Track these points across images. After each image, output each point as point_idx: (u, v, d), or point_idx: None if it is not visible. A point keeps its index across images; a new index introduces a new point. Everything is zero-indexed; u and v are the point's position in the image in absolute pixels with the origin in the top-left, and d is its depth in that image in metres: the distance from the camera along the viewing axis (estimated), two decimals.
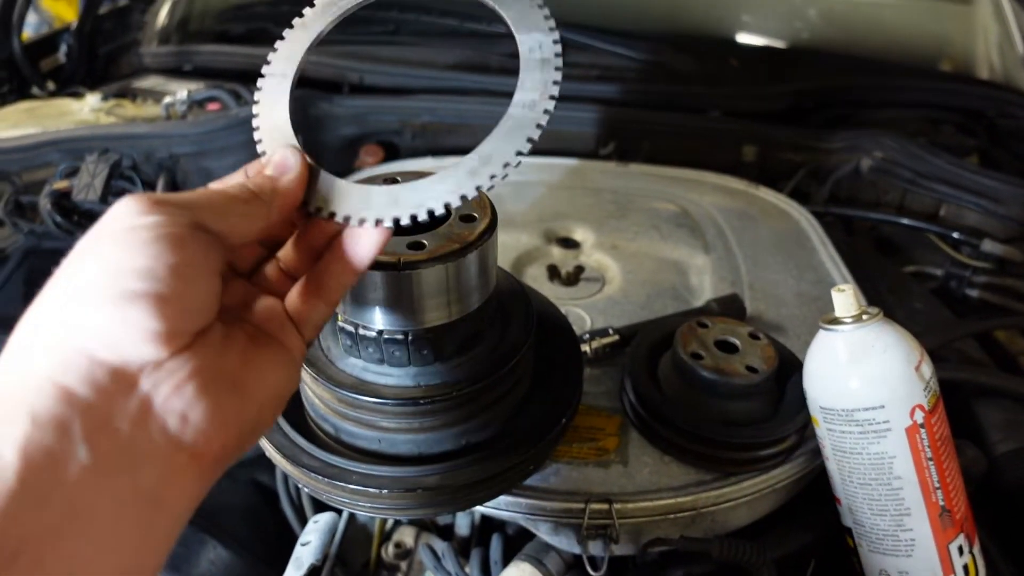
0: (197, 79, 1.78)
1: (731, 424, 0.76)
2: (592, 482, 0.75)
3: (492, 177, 0.52)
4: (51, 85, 1.77)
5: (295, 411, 0.74)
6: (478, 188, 0.52)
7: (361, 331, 0.65)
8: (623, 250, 1.14)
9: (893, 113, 1.67)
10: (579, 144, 1.56)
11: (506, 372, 0.69)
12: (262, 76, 0.59)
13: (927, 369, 0.68)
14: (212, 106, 1.50)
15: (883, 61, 1.85)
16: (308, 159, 0.54)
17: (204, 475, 0.43)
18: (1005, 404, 0.97)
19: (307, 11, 0.62)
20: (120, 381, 0.39)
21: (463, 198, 0.52)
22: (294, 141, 0.56)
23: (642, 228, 1.19)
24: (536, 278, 1.09)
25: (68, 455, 0.36)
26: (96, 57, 1.98)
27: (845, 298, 0.70)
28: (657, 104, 1.61)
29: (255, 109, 0.57)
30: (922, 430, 0.67)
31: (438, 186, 0.52)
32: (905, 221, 1.37)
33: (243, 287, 0.53)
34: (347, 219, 0.52)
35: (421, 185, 0.53)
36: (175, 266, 0.40)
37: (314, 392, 0.71)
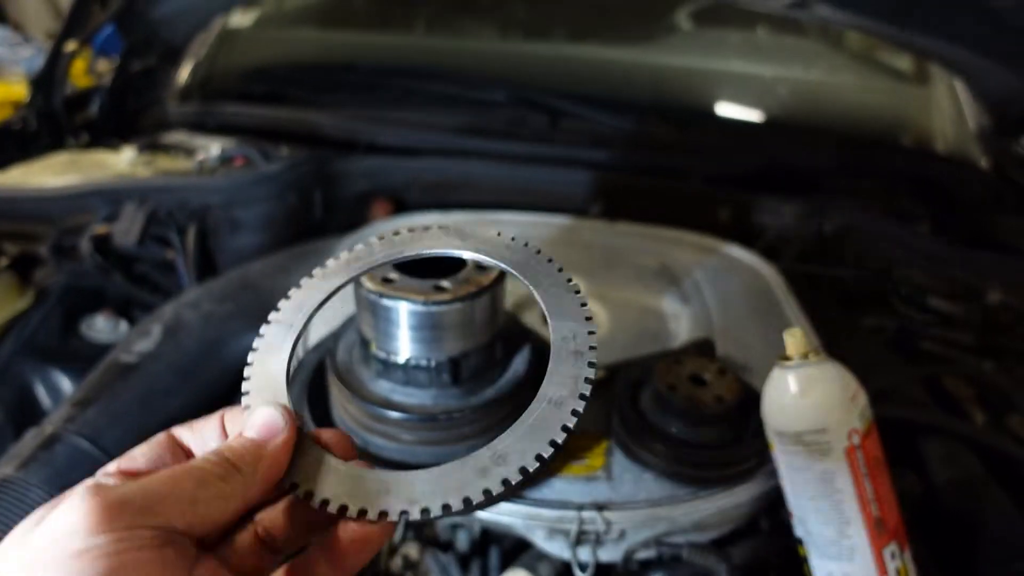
0: (219, 134, 1.93)
1: (701, 447, 0.89)
2: (582, 494, 0.87)
3: (504, 482, 0.45)
4: (85, 137, 1.92)
5: (326, 424, 0.86)
6: (486, 493, 0.45)
7: (391, 358, 0.78)
8: (610, 299, 1.28)
9: (855, 182, 1.84)
10: (571, 203, 1.71)
11: (511, 396, 0.82)
12: (267, 323, 0.55)
13: (861, 399, 0.82)
14: (237, 161, 1.64)
15: (847, 135, 2.04)
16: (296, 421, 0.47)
17: None
18: (945, 441, 1.10)
19: (329, 262, 0.59)
20: None
21: (466, 502, 0.44)
22: (285, 399, 0.49)
23: (627, 280, 1.33)
24: (533, 322, 1.22)
25: None
26: (125, 112, 2.13)
27: (795, 340, 0.84)
28: (642, 169, 1.77)
29: (251, 356, 0.53)
30: (858, 451, 0.80)
31: (442, 481, 0.46)
32: (862, 277, 1.52)
33: (211, 570, 0.42)
34: (342, 509, 0.45)
35: (421, 477, 0.46)
36: None
37: (345, 409, 0.83)
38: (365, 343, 0.80)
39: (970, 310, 1.40)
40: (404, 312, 0.74)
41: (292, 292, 0.57)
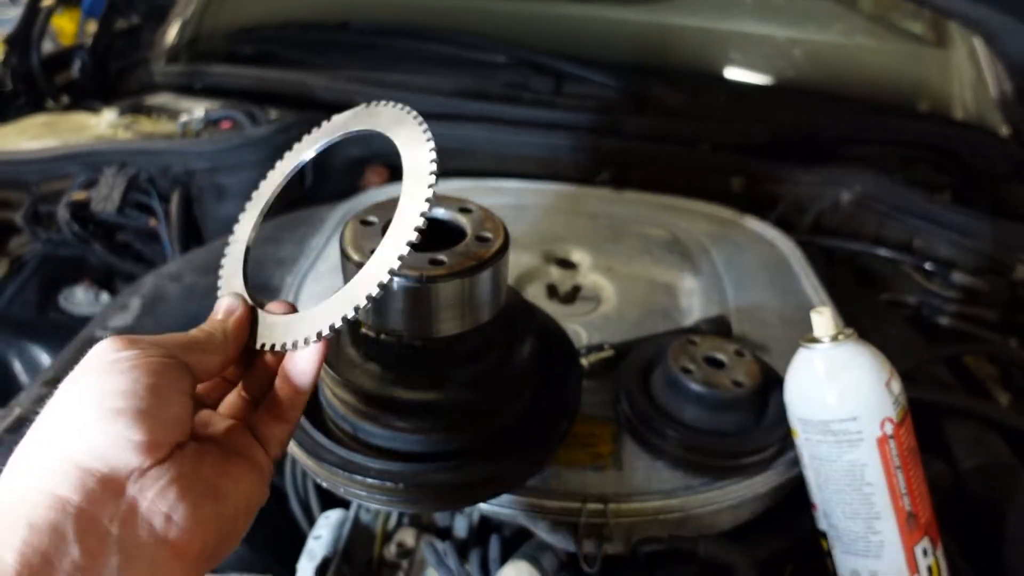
0: (206, 97, 1.84)
1: (717, 433, 0.82)
2: (588, 484, 0.81)
3: (368, 298, 0.57)
4: (65, 99, 1.83)
5: (315, 411, 0.79)
6: (356, 310, 0.57)
7: (383, 338, 0.71)
8: (618, 272, 1.21)
9: (872, 150, 1.76)
10: (575, 171, 1.63)
11: (513, 379, 0.76)
12: (228, 243, 0.68)
13: (896, 385, 0.75)
14: (224, 124, 1.56)
15: (863, 100, 1.95)
16: (250, 302, 0.62)
17: (188, 572, 0.48)
18: (971, 424, 1.04)
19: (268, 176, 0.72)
20: (109, 488, 0.45)
21: (344, 319, 0.57)
22: (242, 290, 0.64)
23: (635, 252, 1.26)
24: (536, 296, 1.15)
25: (62, 554, 0.41)
26: (108, 73, 2.04)
27: (823, 319, 0.77)
28: (650, 136, 1.69)
29: (222, 263, 0.67)
30: (891, 441, 0.74)
31: (326, 312, 0.58)
32: (881, 251, 1.45)
33: (209, 415, 0.60)
34: (279, 346, 0.59)
35: (316, 312, 0.59)
36: (151, 386, 0.47)
37: (334, 393, 0.77)
38: (355, 321, 0.73)
39: (996, 285, 1.33)
40: (396, 289, 0.67)
41: (247, 206, 0.70)
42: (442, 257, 0.68)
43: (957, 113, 2.02)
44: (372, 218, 0.72)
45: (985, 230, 1.35)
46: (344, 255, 0.69)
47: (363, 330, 0.73)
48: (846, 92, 1.98)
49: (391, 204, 0.73)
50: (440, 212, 0.74)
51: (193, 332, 0.57)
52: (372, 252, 0.68)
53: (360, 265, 0.67)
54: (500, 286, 0.73)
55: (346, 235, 0.70)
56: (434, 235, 0.72)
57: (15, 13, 4.63)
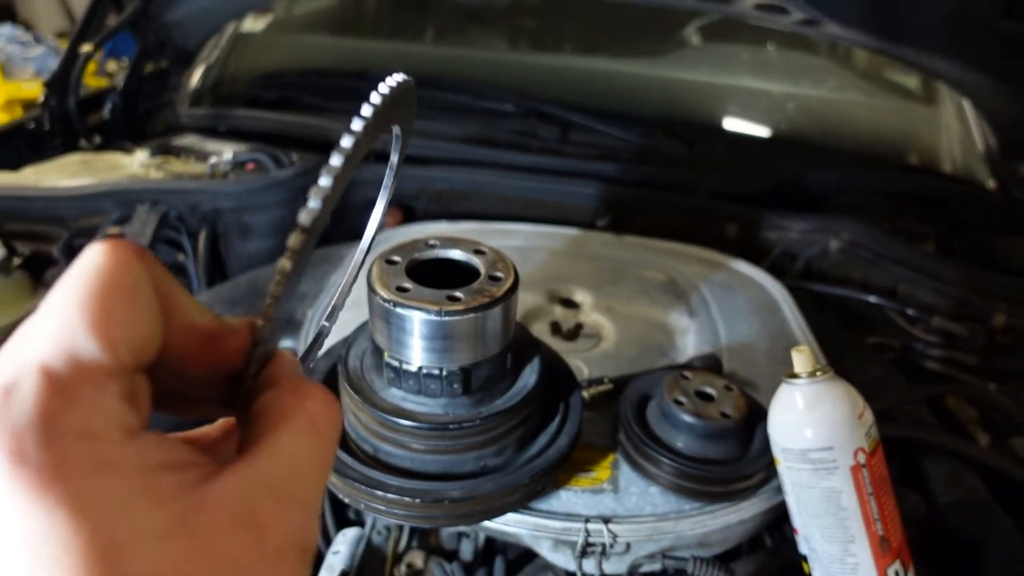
0: (230, 139, 1.95)
1: (707, 462, 0.89)
2: (588, 506, 0.88)
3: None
4: (97, 138, 1.93)
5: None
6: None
7: (404, 367, 0.79)
8: (617, 311, 1.28)
9: (861, 200, 1.85)
10: (578, 215, 1.72)
11: (520, 407, 0.83)
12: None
13: (868, 418, 0.82)
14: (249, 166, 1.65)
15: (855, 152, 2.06)
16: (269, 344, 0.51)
17: None
18: (949, 461, 1.11)
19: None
20: None
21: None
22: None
23: (634, 293, 1.34)
24: (541, 332, 1.23)
25: None
26: (136, 114, 2.15)
27: (803, 357, 0.84)
28: (650, 183, 1.79)
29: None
30: (864, 469, 0.81)
31: None
32: (869, 298, 1.53)
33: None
34: None
35: None
36: None
37: (357, 417, 0.84)
38: (378, 351, 0.81)
39: (975, 331, 1.40)
40: (417, 322, 0.75)
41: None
42: (458, 294, 0.76)
43: (945, 166, 2.11)
44: (396, 257, 0.81)
45: (965, 279, 1.43)
46: (371, 290, 0.77)
47: (386, 359, 0.80)
48: (838, 144, 2.09)
49: (412, 245, 0.82)
50: (456, 253, 0.83)
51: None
52: (398, 289, 0.77)
53: (387, 301, 0.76)
54: (510, 321, 0.81)
55: (373, 273, 0.78)
56: (450, 274, 0.81)
57: (40, 51, 4.79)
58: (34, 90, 4.92)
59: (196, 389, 0.44)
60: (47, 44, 4.98)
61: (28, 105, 4.96)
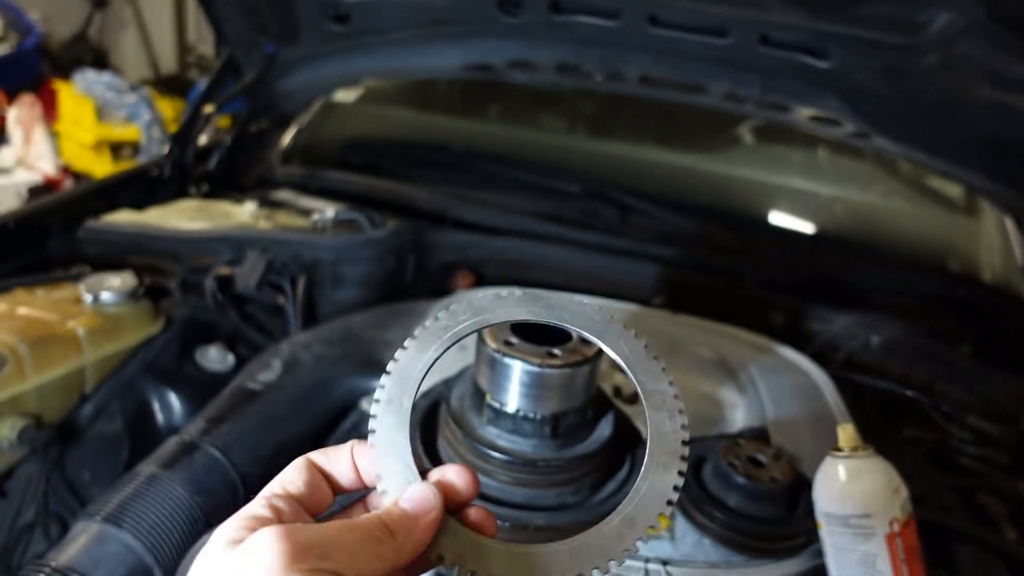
0: (320, 197, 2.15)
1: (756, 520, 1.00)
2: (648, 549, 0.99)
3: (639, 540, 0.53)
4: (205, 187, 2.16)
5: (435, 463, 1.00)
6: (626, 553, 0.52)
7: (503, 408, 0.93)
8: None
9: (902, 300, 1.97)
10: (635, 292, 1.86)
11: (597, 453, 0.96)
12: (377, 401, 0.57)
13: (903, 492, 0.94)
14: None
15: (897, 256, 2.18)
16: (437, 495, 0.52)
17: None
18: (978, 550, 1.19)
19: (418, 331, 0.60)
20: None
21: (610, 565, 0.52)
22: (419, 478, 0.54)
23: (688, 367, 1.47)
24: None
25: None
26: (237, 167, 2.38)
27: (848, 434, 0.96)
28: (702, 268, 1.93)
29: (371, 439, 0.55)
30: (898, 538, 0.91)
31: (584, 551, 0.53)
32: (907, 392, 1.63)
33: None
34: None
35: (563, 550, 0.53)
36: None
37: (455, 448, 0.98)
38: (480, 393, 0.95)
39: (1007, 431, 1.49)
40: (519, 371, 0.90)
41: (391, 367, 0.58)
42: (556, 351, 0.91)
43: (985, 275, 2.21)
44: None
45: (997, 381, 1.53)
46: (481, 340, 0.92)
47: (488, 400, 0.94)
48: (881, 247, 2.21)
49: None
50: None
51: (367, 524, 0.49)
52: (505, 342, 0.91)
53: (496, 351, 0.90)
54: (594, 379, 0.95)
55: (486, 335, 0.92)
56: (543, 333, 0.95)
57: (133, 99, 5.18)
58: (123, 134, 5.33)
59: None
60: (140, 94, 5.40)
61: (116, 147, 5.35)
